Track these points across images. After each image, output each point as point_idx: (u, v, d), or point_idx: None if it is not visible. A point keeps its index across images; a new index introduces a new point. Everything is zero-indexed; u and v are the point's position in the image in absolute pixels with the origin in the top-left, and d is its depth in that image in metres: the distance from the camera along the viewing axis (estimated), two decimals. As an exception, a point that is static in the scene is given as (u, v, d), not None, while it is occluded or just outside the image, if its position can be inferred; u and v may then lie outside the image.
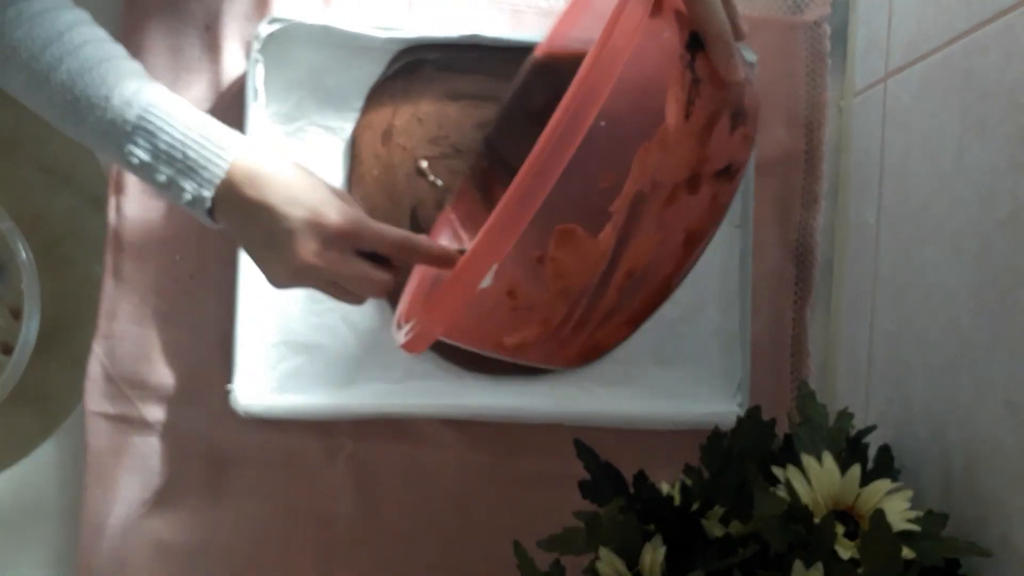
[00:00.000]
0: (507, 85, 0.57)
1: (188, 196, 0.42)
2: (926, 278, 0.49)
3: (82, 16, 0.44)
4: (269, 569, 0.59)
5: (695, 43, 0.37)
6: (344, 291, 0.44)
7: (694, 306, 0.60)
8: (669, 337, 0.60)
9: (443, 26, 0.59)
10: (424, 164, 0.56)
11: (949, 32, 0.47)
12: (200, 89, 0.59)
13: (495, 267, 0.34)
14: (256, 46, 0.57)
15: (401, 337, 0.39)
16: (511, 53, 0.58)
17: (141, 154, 0.42)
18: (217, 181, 0.42)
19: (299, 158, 0.59)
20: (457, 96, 0.59)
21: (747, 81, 0.40)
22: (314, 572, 0.59)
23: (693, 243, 0.39)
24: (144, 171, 0.42)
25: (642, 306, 0.40)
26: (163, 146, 0.41)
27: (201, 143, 0.42)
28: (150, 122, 0.41)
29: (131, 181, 0.59)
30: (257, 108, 0.57)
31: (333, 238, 0.41)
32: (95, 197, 0.60)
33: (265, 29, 0.57)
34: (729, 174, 0.38)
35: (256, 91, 0.57)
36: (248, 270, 0.57)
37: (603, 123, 0.34)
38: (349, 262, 0.42)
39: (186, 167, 0.41)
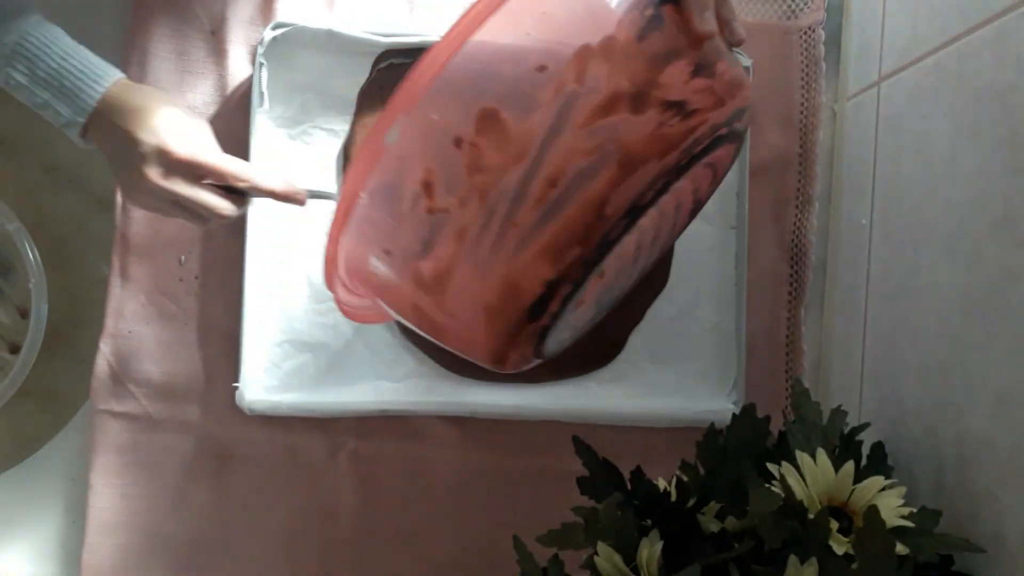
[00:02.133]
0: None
1: (63, 119, 0.46)
2: (919, 278, 0.49)
3: None
4: (273, 565, 0.59)
5: None
6: (190, 214, 0.47)
7: (690, 305, 0.61)
8: (665, 336, 0.60)
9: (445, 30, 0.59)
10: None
11: (942, 36, 0.48)
12: (205, 93, 0.60)
13: (399, 124, 0.33)
14: (261, 50, 0.57)
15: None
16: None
17: (19, 77, 0.45)
18: (90, 108, 0.45)
19: (303, 161, 0.60)
20: None
21: (727, 58, 0.40)
22: (317, 567, 0.59)
23: (628, 167, 0.35)
24: (22, 93, 0.46)
25: (565, 233, 0.36)
26: (41, 72, 0.45)
27: (77, 73, 0.45)
28: (27, 48, 0.45)
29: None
30: (262, 112, 0.58)
31: (176, 165, 0.45)
32: (102, 197, 0.60)
33: (269, 33, 0.57)
34: (684, 111, 0.36)
35: (261, 95, 0.58)
36: (253, 269, 0.58)
37: (543, 10, 0.34)
38: (191, 188, 0.46)
39: (62, 93, 0.45)
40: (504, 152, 0.34)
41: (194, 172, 0.46)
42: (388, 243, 0.39)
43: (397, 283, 0.39)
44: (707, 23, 0.38)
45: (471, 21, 0.33)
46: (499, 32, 0.34)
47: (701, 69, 0.37)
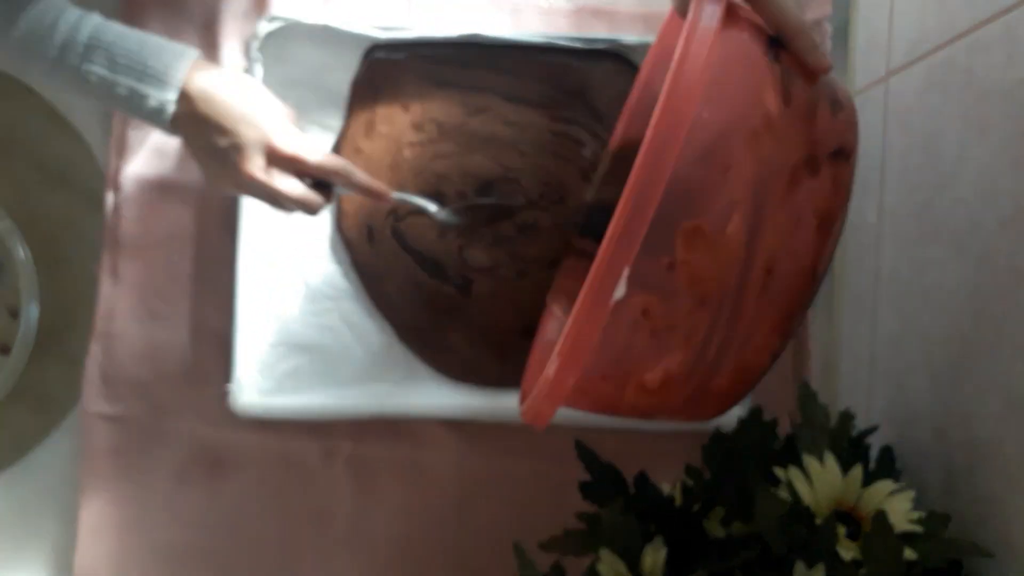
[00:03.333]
0: (499, 77, 0.57)
1: (153, 103, 0.45)
2: (928, 278, 0.49)
3: None
4: (267, 570, 0.59)
5: (776, 44, 0.38)
6: (278, 203, 0.48)
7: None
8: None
9: (442, 25, 0.59)
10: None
11: (950, 31, 0.47)
12: (198, 88, 0.59)
13: (626, 274, 0.32)
14: (255, 44, 0.57)
15: (523, 407, 0.38)
16: (505, 51, 0.58)
17: (98, 70, 0.44)
18: (179, 85, 0.45)
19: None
20: (441, 83, 0.59)
21: (833, 76, 0.41)
22: (312, 573, 0.59)
23: (826, 227, 0.38)
24: (103, 87, 0.45)
25: (788, 305, 0.38)
26: (121, 59, 0.44)
27: (158, 53, 0.45)
28: (102, 39, 0.44)
29: (129, 180, 0.58)
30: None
31: (279, 159, 0.46)
32: (92, 196, 0.60)
33: (264, 27, 0.57)
34: (844, 155, 0.39)
35: (255, 90, 0.57)
36: (246, 269, 0.57)
37: (705, 114, 0.34)
38: (289, 182, 0.47)
39: (146, 75, 0.44)
40: (717, 260, 0.35)
41: (294, 168, 0.47)
42: (607, 370, 0.38)
43: (612, 394, 0.39)
44: (820, 58, 0.39)
45: (658, 157, 0.32)
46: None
47: (835, 105, 0.39)
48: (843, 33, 0.62)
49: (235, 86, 0.46)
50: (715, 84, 0.34)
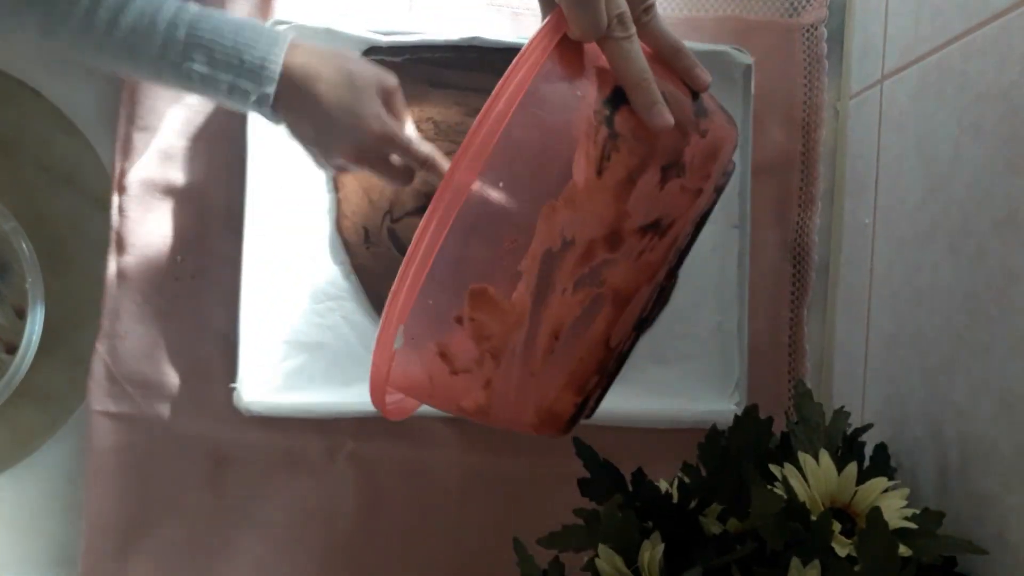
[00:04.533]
0: (498, 79, 0.58)
1: (253, 96, 0.46)
2: (922, 278, 0.49)
3: None
4: (271, 567, 0.59)
5: (619, 98, 0.36)
6: (399, 149, 0.49)
7: (692, 305, 0.60)
8: (667, 336, 0.60)
9: (443, 27, 0.59)
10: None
11: (945, 35, 0.48)
12: (203, 91, 0.60)
13: (401, 330, 0.35)
14: (258, 48, 0.57)
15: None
16: (505, 53, 0.58)
17: (200, 68, 0.45)
18: (276, 77, 0.46)
19: (300, 162, 0.59)
20: (439, 84, 0.59)
21: (696, 129, 0.38)
22: (316, 569, 0.59)
23: (622, 302, 0.37)
24: (205, 83, 0.46)
25: (580, 368, 0.38)
26: (219, 56, 0.45)
27: (253, 45, 0.45)
28: (200, 37, 0.45)
29: (134, 182, 0.59)
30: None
31: (370, 143, 0.48)
32: (98, 197, 0.60)
33: (267, 31, 0.57)
34: (659, 229, 0.36)
35: (258, 93, 0.58)
36: (251, 268, 0.57)
37: (501, 184, 0.34)
38: (378, 163, 0.49)
39: (244, 70, 0.45)
40: (502, 322, 0.36)
41: (384, 149, 0.49)
42: (425, 398, 0.42)
43: (451, 408, 0.42)
44: (656, 117, 0.35)
45: (441, 219, 0.33)
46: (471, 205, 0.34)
47: (671, 170, 0.36)
48: (839, 37, 0.62)
49: (324, 66, 0.47)
50: (516, 148, 0.34)
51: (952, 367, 0.45)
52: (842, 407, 0.47)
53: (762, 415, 0.46)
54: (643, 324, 0.39)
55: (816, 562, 0.38)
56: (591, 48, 0.37)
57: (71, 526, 0.60)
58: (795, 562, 0.39)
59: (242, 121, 0.58)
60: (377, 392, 0.38)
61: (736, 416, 0.47)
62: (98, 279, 0.59)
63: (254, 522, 0.59)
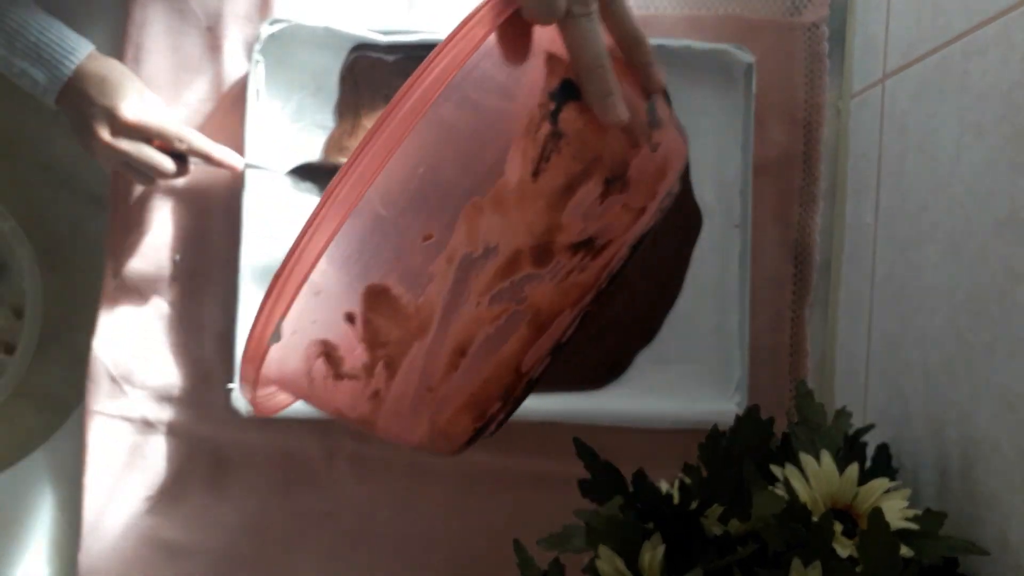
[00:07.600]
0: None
1: (40, 88, 0.52)
2: (924, 278, 0.49)
3: None
4: (270, 569, 0.59)
5: (568, 92, 0.32)
6: (137, 172, 0.54)
7: (693, 305, 0.60)
8: (668, 336, 0.60)
9: (442, 27, 0.59)
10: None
11: (946, 34, 0.47)
12: (201, 89, 0.59)
13: (281, 322, 0.31)
14: (257, 47, 0.57)
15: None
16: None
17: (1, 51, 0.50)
18: (66, 77, 0.51)
19: (299, 158, 0.59)
20: None
21: (648, 140, 0.34)
22: (314, 571, 0.59)
23: (541, 324, 0.33)
24: (0, 62, 0.51)
25: (483, 390, 0.34)
26: (19, 44, 0.51)
27: (53, 46, 0.51)
28: (7, 24, 0.50)
29: (132, 181, 0.59)
30: (258, 109, 0.57)
31: (123, 127, 0.52)
32: (96, 197, 0.60)
33: (266, 30, 0.57)
34: (592, 248, 0.32)
35: (257, 92, 0.57)
36: (249, 268, 0.57)
37: (422, 169, 0.30)
38: (136, 147, 0.52)
39: (39, 62, 0.51)
40: (403, 328, 0.31)
41: (139, 133, 0.52)
42: (303, 396, 0.37)
43: (339, 415, 0.37)
44: (610, 109, 0.31)
45: (354, 184, 0.28)
46: (383, 186, 0.29)
47: (614, 184, 0.32)
48: (840, 36, 0.62)
49: (106, 70, 0.52)
50: (443, 130, 0.29)
51: (954, 367, 0.45)
52: (844, 407, 0.47)
53: (763, 416, 0.46)
54: (559, 350, 0.35)
55: (817, 563, 0.38)
56: (543, 32, 0.32)
57: (68, 527, 0.60)
58: (796, 563, 0.39)
59: (241, 117, 0.57)
60: (247, 379, 0.33)
61: (737, 417, 0.47)
62: (97, 279, 0.59)
63: (253, 524, 0.59)
